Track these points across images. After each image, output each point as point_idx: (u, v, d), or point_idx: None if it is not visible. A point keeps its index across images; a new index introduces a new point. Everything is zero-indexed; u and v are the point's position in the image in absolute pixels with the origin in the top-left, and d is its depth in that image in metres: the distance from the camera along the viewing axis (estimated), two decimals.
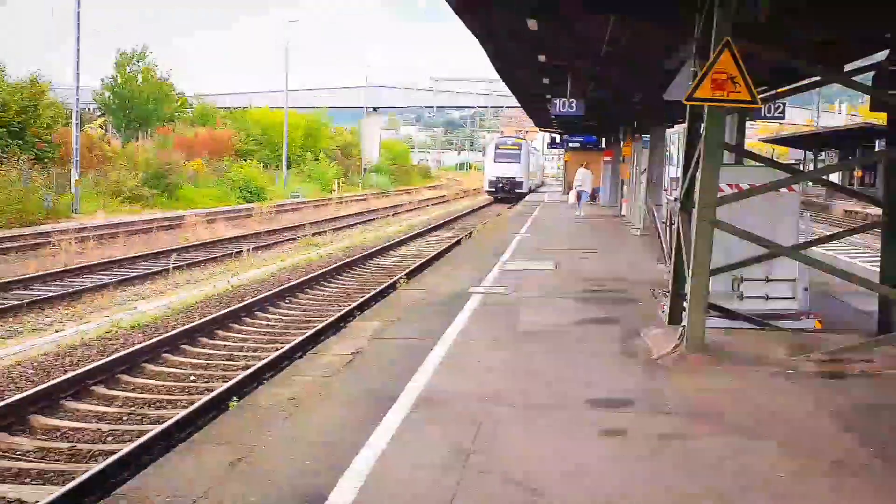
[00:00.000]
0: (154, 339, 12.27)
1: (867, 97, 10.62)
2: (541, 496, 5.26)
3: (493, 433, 6.43)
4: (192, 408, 9.14)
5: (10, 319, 14.05)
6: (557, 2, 13.44)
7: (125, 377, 10.71)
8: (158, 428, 8.45)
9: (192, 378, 10.99)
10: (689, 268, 8.83)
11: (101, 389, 10.17)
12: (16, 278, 17.56)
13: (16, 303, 14.98)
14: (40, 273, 18.24)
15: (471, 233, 30.45)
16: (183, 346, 12.35)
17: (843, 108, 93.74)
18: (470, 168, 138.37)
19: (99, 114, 56.15)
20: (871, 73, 9.98)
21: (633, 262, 17.63)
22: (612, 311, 11.80)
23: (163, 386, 10.61)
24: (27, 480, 7.43)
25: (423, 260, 22.48)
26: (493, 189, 56.99)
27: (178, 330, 12.92)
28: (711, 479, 5.59)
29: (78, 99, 35.34)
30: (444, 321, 10.84)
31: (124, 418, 9.31)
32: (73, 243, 22.38)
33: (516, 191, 55.31)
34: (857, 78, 10.23)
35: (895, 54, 9.59)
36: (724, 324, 9.77)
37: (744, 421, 6.80)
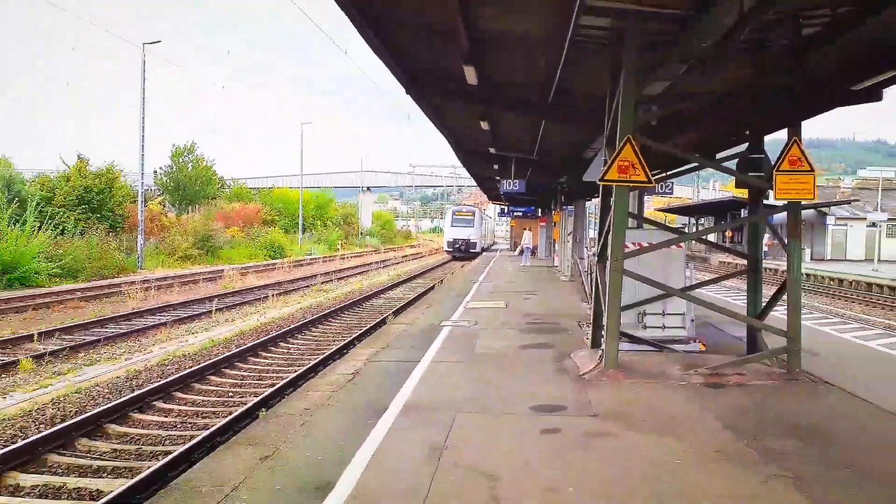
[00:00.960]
0: (199, 365, 12.12)
1: (734, 178, 10.80)
2: (498, 481, 5.23)
3: (460, 433, 6.38)
4: (229, 417, 8.99)
5: (91, 351, 13.77)
6: (498, 108, 13.73)
7: (179, 394, 10.56)
8: (205, 432, 8.33)
9: (231, 394, 10.84)
10: (605, 305, 8.86)
11: (160, 403, 10.02)
12: (95, 319, 17.27)
13: (93, 339, 14.68)
14: (113, 315, 17.92)
15: (442, 280, 30.38)
16: (223, 370, 12.20)
17: (717, 185, 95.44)
18: (441, 231, 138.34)
19: (158, 193, 55.79)
20: (736, 160, 10.19)
21: (563, 301, 17.67)
22: (548, 338, 11.79)
23: (207, 400, 10.45)
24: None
25: (406, 301, 22.36)
26: (451, 248, 52.70)
27: (218, 357, 12.75)
28: (628, 465, 5.58)
29: (143, 183, 35.21)
30: (422, 347, 10.80)
31: (178, 425, 9.17)
32: (138, 292, 22.07)
33: (471, 250, 51.49)
34: (726, 164, 10.40)
35: (753, 146, 9.82)
36: (633, 347, 9.81)
37: (650, 421, 6.81)
